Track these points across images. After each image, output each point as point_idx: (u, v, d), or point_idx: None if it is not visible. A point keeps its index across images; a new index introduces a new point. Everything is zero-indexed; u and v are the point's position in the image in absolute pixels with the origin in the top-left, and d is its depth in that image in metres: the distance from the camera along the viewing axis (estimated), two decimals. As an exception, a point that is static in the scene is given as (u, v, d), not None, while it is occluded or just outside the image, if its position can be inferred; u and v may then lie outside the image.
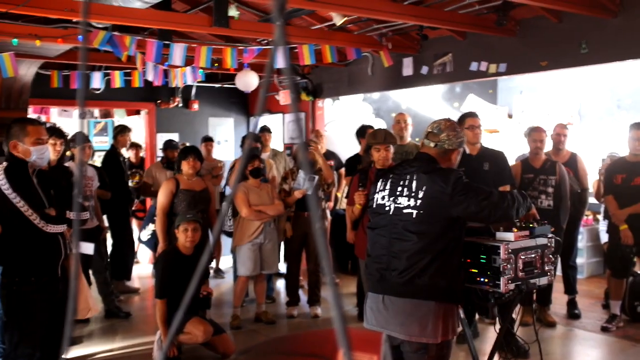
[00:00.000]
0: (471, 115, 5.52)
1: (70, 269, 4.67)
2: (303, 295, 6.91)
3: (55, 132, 5.29)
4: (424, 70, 7.56)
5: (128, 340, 5.92)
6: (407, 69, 7.77)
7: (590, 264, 8.25)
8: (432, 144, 3.21)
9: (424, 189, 3.05)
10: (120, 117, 10.51)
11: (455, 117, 5.39)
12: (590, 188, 6.74)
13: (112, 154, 7.80)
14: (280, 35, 0.87)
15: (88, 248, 5.06)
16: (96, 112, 10.86)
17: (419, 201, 3.04)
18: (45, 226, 3.70)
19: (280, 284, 7.78)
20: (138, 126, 10.30)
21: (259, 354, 0.92)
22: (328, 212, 7.29)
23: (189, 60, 7.02)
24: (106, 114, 10.77)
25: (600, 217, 7.56)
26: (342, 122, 9.72)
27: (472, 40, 7.03)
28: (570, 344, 5.83)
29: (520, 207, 3.12)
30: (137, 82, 7.99)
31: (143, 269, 8.94)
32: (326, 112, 9.69)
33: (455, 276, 3.08)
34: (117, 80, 7.99)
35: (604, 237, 6.82)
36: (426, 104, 9.83)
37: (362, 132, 7.07)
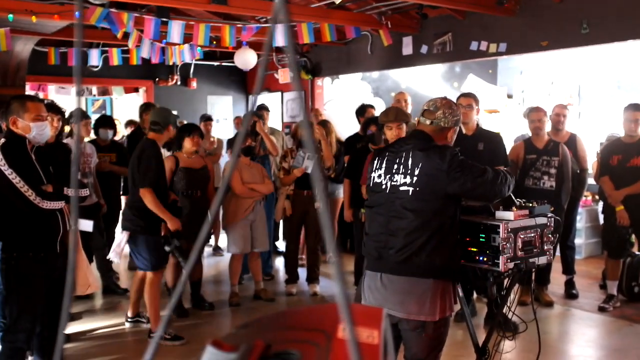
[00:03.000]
0: (464, 95, 5.52)
1: (68, 245, 4.68)
2: (302, 273, 6.93)
3: (52, 108, 5.24)
4: (424, 49, 7.52)
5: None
6: (407, 48, 7.73)
7: (589, 245, 8.27)
8: (428, 122, 3.20)
9: (420, 166, 3.04)
10: (118, 94, 10.47)
11: (454, 97, 5.38)
12: (590, 169, 6.74)
13: (139, 133, 7.67)
14: (279, 11, 0.84)
15: (87, 225, 5.06)
16: (94, 89, 10.81)
17: (415, 178, 3.04)
18: (42, 202, 3.70)
19: (279, 262, 7.80)
20: (136, 104, 10.26)
21: (258, 329, 0.92)
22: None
23: (187, 38, 6.98)
24: (104, 92, 10.72)
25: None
26: (341, 101, 9.68)
27: (472, 19, 6.99)
28: (568, 324, 5.86)
29: (510, 184, 3.14)
30: (135, 60, 7.95)
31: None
32: (325, 91, 9.66)
33: (452, 254, 3.08)
34: (115, 58, 7.95)
35: (603, 218, 6.83)
36: (426, 83, 9.79)
37: (362, 111, 7.04)
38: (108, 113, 12.69)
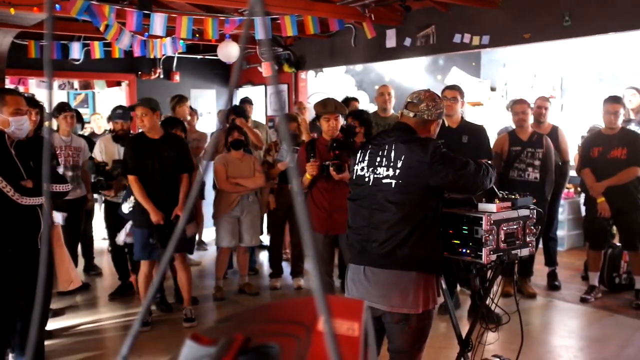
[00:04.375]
0: (448, 87, 5.54)
1: (52, 241, 4.64)
2: (286, 267, 6.92)
3: (30, 101, 5.18)
4: (407, 42, 7.51)
5: (111, 312, 5.92)
6: (390, 40, 7.72)
7: (571, 237, 8.34)
8: (411, 114, 3.20)
9: (402, 158, 3.04)
10: (100, 88, 10.37)
11: (438, 89, 5.38)
12: (572, 161, 6.79)
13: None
14: (255, 4, 0.82)
15: (59, 218, 5.01)
16: (76, 83, 10.70)
17: (397, 171, 3.04)
18: (20, 199, 3.66)
19: (264, 256, 7.79)
20: (119, 98, 10.17)
21: (238, 322, 0.91)
22: None
23: (169, 31, 6.92)
24: (86, 85, 10.61)
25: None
26: (325, 94, 9.66)
27: (455, 12, 6.99)
28: (550, 315, 5.91)
29: (492, 177, 3.15)
30: (117, 53, 7.87)
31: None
32: (309, 84, 9.63)
33: (435, 247, 3.09)
34: (97, 51, 7.87)
35: (585, 210, 6.89)
36: (409, 76, 9.80)
37: (346, 104, 7.03)
38: (90, 107, 12.59)
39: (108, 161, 6.03)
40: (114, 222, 6.08)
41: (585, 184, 6.14)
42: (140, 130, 5.51)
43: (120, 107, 6.54)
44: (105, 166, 5.95)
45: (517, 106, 6.06)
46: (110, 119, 6.62)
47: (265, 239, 7.45)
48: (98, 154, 6.21)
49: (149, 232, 5.23)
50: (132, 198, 6.84)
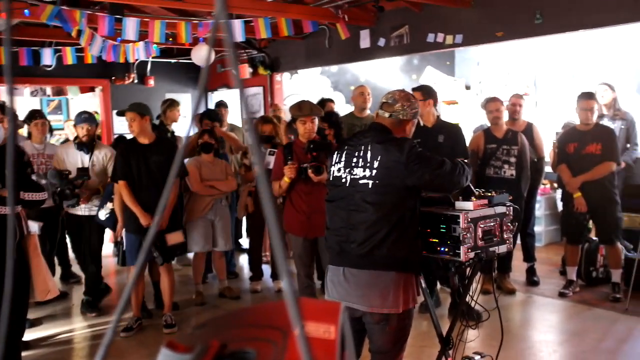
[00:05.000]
0: (412, 89, 5.49)
1: (27, 250, 4.58)
2: (267, 270, 6.90)
3: (2, 109, 5.12)
4: (381, 42, 7.54)
5: (88, 321, 5.85)
6: (364, 41, 7.74)
7: (548, 232, 8.42)
8: (386, 114, 3.20)
9: (379, 158, 3.04)
10: (73, 94, 10.27)
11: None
12: (547, 157, 6.85)
13: (162, 129, 7.45)
14: (221, 9, 0.82)
15: (34, 227, 4.95)
16: (48, 89, 10.58)
17: (374, 171, 3.04)
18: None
19: (244, 259, 7.75)
20: (93, 104, 10.07)
21: (214, 328, 0.90)
22: None
23: (142, 35, 6.87)
24: (59, 92, 10.51)
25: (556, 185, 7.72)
26: (300, 96, 9.66)
27: (428, 11, 7.03)
28: (530, 310, 5.96)
29: (468, 175, 3.16)
30: (90, 59, 7.79)
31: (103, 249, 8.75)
32: (284, 86, 9.62)
33: (413, 246, 3.10)
34: (69, 57, 7.78)
35: (562, 205, 6.96)
36: (384, 76, 9.83)
37: (321, 106, 7.02)
38: (64, 113, 12.44)
39: (72, 169, 5.77)
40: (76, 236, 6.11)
41: (562, 180, 6.20)
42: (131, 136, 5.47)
43: (85, 112, 6.22)
44: (69, 174, 5.70)
45: (491, 104, 6.11)
46: (75, 124, 6.19)
47: (245, 241, 7.41)
48: (60, 162, 5.91)
49: (140, 237, 5.22)
50: (108, 204, 6.76)
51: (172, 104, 7.32)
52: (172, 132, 7.24)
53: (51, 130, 7.61)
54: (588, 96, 5.95)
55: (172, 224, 5.36)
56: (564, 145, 6.10)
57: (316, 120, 4.98)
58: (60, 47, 7.84)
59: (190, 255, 6.70)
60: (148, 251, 4.14)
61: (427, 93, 5.39)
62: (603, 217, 5.94)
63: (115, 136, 8.44)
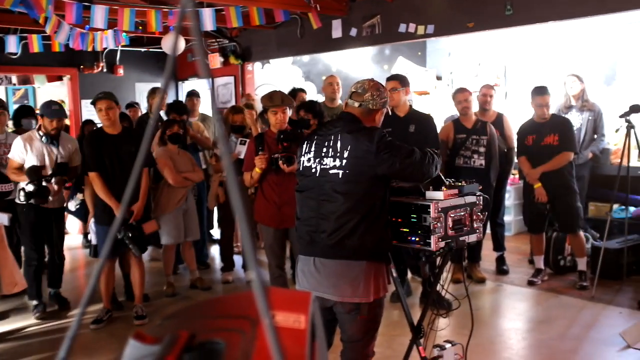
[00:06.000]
0: (387, 78, 5.49)
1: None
2: (238, 260, 6.88)
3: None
4: (353, 32, 7.53)
5: (56, 314, 5.77)
6: (336, 31, 7.72)
7: (518, 222, 8.50)
8: (356, 104, 3.20)
9: (348, 148, 3.04)
10: (40, 83, 10.08)
11: (384, 79, 5.40)
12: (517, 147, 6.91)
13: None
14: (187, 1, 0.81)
15: (2, 218, 4.85)
16: (14, 78, 10.37)
17: (344, 161, 3.04)
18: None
19: (215, 250, 7.72)
20: (60, 93, 9.91)
21: (183, 319, 0.89)
22: None
23: (111, 24, 6.76)
24: (25, 80, 10.30)
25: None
26: (272, 86, 9.61)
27: (400, 1, 7.04)
28: (499, 298, 6.03)
29: (438, 164, 3.18)
30: (57, 47, 7.65)
31: (73, 240, 8.67)
32: (256, 76, 9.56)
33: (384, 236, 3.11)
34: (36, 45, 7.63)
35: (522, 196, 7.04)
36: (356, 66, 9.83)
37: (293, 96, 7.00)
38: (31, 102, 12.22)
39: (35, 162, 5.35)
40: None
41: (522, 171, 6.30)
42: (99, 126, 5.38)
43: (53, 102, 5.65)
44: (42, 170, 5.31)
45: (459, 95, 6.15)
46: (41, 115, 5.51)
47: (216, 232, 7.37)
48: (20, 155, 5.38)
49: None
50: (78, 195, 6.67)
51: (154, 92, 7.49)
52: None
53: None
54: (542, 91, 6.01)
55: (145, 213, 5.34)
56: (523, 138, 6.18)
57: (287, 111, 4.95)
58: (26, 35, 7.67)
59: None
60: (122, 243, 4.11)
61: (404, 81, 5.42)
62: (563, 206, 6.03)
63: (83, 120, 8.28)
